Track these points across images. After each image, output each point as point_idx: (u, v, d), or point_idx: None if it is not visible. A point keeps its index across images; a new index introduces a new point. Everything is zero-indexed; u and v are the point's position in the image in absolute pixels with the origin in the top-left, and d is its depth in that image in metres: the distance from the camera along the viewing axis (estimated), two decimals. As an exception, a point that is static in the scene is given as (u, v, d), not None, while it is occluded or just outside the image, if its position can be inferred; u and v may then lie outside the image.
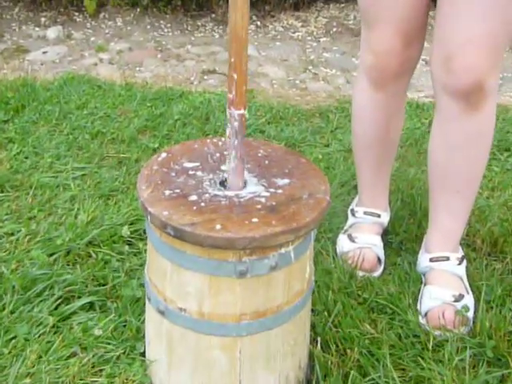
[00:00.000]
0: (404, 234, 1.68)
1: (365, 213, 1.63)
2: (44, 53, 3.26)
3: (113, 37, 3.57)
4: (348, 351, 1.26)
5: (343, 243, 1.60)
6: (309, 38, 3.82)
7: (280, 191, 0.99)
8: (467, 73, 1.22)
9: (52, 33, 3.52)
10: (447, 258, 1.45)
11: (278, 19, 4.01)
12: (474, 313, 1.39)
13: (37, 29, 3.60)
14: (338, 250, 1.60)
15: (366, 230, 1.60)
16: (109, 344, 1.25)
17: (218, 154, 1.09)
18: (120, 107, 2.44)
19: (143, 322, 1.24)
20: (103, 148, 2.11)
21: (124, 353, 1.24)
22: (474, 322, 1.37)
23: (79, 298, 1.38)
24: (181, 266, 0.93)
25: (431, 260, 1.46)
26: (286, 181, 1.02)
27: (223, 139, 1.14)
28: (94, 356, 1.22)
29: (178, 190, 0.97)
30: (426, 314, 1.38)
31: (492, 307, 1.40)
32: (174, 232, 0.88)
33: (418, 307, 1.41)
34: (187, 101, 2.52)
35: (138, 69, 3.16)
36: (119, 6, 3.91)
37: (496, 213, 1.79)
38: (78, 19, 3.78)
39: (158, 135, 2.21)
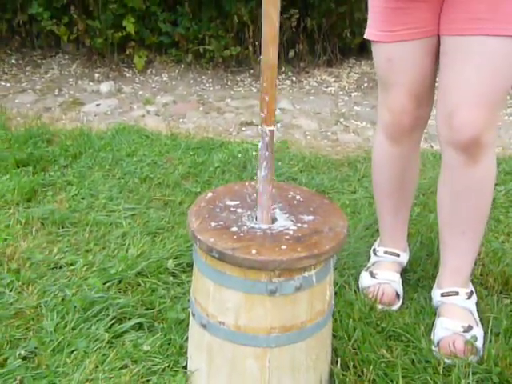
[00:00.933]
0: (421, 273, 1.84)
1: (385, 252, 1.80)
2: (97, 105, 3.57)
3: (159, 91, 3.88)
4: (365, 371, 1.42)
5: (364, 279, 1.76)
6: (341, 92, 4.02)
7: (305, 225, 1.18)
8: (465, 129, 1.40)
9: (105, 87, 3.85)
10: (457, 293, 1.59)
11: (312, 75, 4.27)
12: (484, 344, 1.52)
13: (91, 83, 3.95)
14: (359, 286, 1.77)
15: (386, 268, 1.76)
16: (155, 358, 1.44)
17: (254, 195, 1.30)
18: (166, 155, 2.70)
19: (186, 340, 1.44)
20: (151, 191, 2.35)
21: (168, 366, 1.42)
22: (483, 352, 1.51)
23: (130, 319, 1.58)
24: (222, 285, 1.13)
25: (442, 295, 1.61)
26: (311, 217, 1.21)
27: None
28: (142, 368, 1.41)
29: (221, 223, 1.18)
30: (438, 343, 1.52)
31: (500, 338, 1.54)
32: (218, 255, 1.09)
33: (432, 337, 1.55)
34: (226, 150, 2.76)
35: (181, 120, 3.40)
36: (165, 62, 4.25)
37: (510, 255, 1.93)
38: (127, 75, 4.12)
39: (200, 181, 2.44)
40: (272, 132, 1.14)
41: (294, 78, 4.22)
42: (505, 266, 1.85)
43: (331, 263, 1.19)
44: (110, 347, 1.48)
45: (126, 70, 4.18)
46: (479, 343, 1.51)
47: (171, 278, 1.78)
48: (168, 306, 1.63)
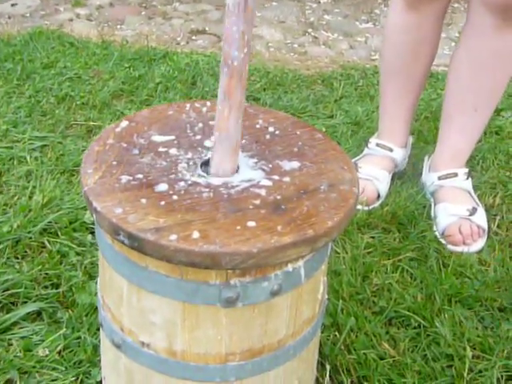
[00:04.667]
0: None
1: (377, 145, 1.58)
2: (13, 5, 2.95)
3: None
4: (362, 379, 0.99)
5: None
6: None
7: (287, 179, 0.69)
8: None
9: None
10: (455, 175, 1.48)
11: (274, -23, 3.68)
12: (489, 228, 1.42)
13: (6, -21, 3.26)
14: None
15: (373, 163, 1.55)
16: (56, 369, 0.96)
17: (200, 125, 0.80)
18: (94, 68, 2.12)
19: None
20: (70, 114, 1.80)
21: (76, 380, 0.96)
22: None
23: (24, 303, 1.09)
24: (141, 287, 0.65)
25: (440, 178, 1.48)
26: (296, 164, 0.72)
27: (208, 103, 0.85)
28: (36, 384, 0.94)
29: (140, 176, 0.67)
30: (443, 233, 1.39)
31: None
32: (129, 241, 0.59)
33: (435, 227, 1.42)
34: (172, 62, 2.20)
35: (118, 26, 2.86)
36: (101, -43, 3.54)
37: (532, 200, 1.51)
38: (53, -30, 3.42)
39: (136, 101, 1.90)
40: None
41: (254, -20, 3.61)
42: (530, 217, 1.44)
43: (330, 243, 0.71)
44: (-12, 351, 1.00)
45: (52, -37, 3.45)
46: (484, 223, 1.41)
47: (89, 237, 1.29)
48: (80, 281, 1.14)
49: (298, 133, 0.78)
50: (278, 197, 0.66)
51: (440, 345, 1.09)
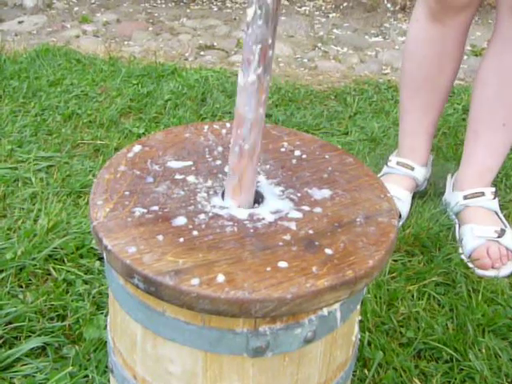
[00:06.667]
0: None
1: (398, 163, 1.51)
2: (20, 23, 2.95)
3: (99, 7, 3.25)
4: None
5: None
6: (317, 13, 3.50)
7: (318, 210, 0.62)
8: None
9: (30, 1, 3.19)
10: (482, 194, 1.41)
11: (283, -9, 3.65)
12: None
13: (13, -4, 3.24)
14: None
15: (395, 182, 1.47)
16: (62, 412, 0.89)
17: (220, 148, 0.73)
18: (101, 84, 2.07)
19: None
20: (77, 133, 1.74)
21: (83, 424, 0.89)
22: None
23: (28, 337, 1.02)
24: (158, 333, 0.58)
25: (465, 197, 1.41)
26: (327, 192, 0.65)
27: (228, 125, 0.78)
28: (40, 429, 0.87)
29: (155, 208, 0.61)
30: (470, 256, 1.32)
31: None
32: (144, 285, 0.52)
33: (461, 250, 1.35)
34: (180, 78, 2.15)
35: (126, 43, 2.83)
36: (107, -27, 3.52)
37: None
38: (60, -14, 3.39)
39: (144, 118, 1.84)
40: None
41: (262, -5, 3.57)
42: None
43: (365, 279, 0.64)
44: (-12, 391, 0.93)
45: (59, -20, 3.44)
46: None
47: (97, 264, 1.22)
48: (87, 313, 1.07)
49: (327, 157, 0.71)
50: (310, 231, 0.59)
51: (475, 380, 1.01)
